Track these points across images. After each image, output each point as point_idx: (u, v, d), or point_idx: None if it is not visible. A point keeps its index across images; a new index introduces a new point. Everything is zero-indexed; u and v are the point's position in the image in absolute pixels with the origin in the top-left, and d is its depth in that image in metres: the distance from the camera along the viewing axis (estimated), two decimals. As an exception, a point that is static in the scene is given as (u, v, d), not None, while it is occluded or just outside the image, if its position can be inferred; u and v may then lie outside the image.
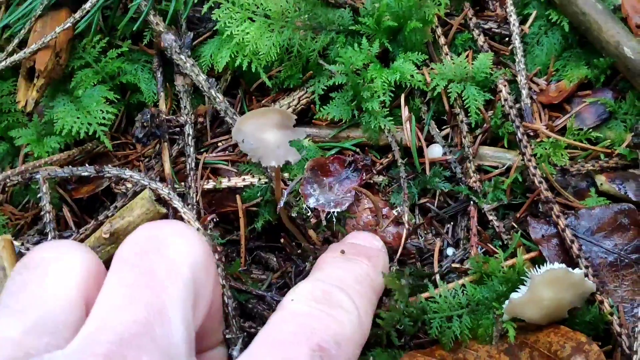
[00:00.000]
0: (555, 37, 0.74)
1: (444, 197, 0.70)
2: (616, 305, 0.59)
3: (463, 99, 0.69)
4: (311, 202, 0.66)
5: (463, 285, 0.61)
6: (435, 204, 0.69)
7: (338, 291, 0.51)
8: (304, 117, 0.73)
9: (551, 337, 0.57)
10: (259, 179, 0.67)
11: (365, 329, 0.53)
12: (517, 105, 0.70)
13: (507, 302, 0.57)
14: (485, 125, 0.70)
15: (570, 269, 0.55)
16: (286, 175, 0.68)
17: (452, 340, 0.59)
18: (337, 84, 0.69)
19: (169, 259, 0.46)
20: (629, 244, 0.62)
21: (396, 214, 0.67)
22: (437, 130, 0.70)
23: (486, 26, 0.75)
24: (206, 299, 0.49)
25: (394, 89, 0.69)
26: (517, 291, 0.57)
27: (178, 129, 0.72)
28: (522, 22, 0.74)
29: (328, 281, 0.53)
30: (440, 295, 0.60)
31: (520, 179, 0.67)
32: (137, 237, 0.47)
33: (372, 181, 0.70)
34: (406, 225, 0.65)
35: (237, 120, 0.65)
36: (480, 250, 0.65)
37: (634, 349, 0.56)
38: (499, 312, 0.58)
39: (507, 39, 0.74)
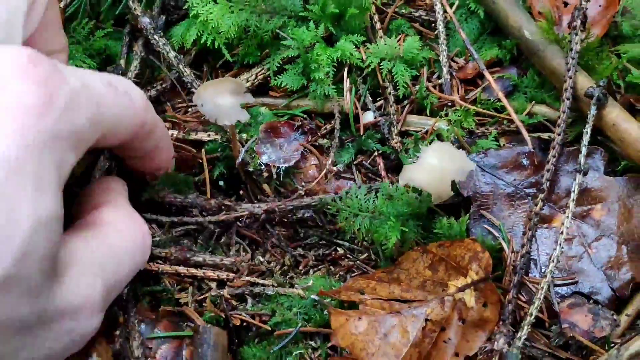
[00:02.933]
0: (474, 23, 0.87)
1: (379, 158, 0.84)
2: (508, 231, 0.73)
3: (393, 74, 0.83)
4: (264, 159, 0.79)
5: (375, 197, 0.75)
6: (369, 162, 0.82)
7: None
8: (262, 89, 0.86)
9: (457, 251, 0.72)
10: (221, 137, 0.80)
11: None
12: (439, 81, 0.84)
13: (403, 169, 0.71)
14: (411, 97, 0.83)
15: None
16: (244, 136, 0.81)
17: (351, 232, 0.74)
18: (290, 56, 0.82)
19: None
20: (525, 180, 0.77)
21: (336, 169, 0.81)
22: (371, 99, 0.84)
23: (416, 14, 0.89)
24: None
25: (336, 65, 0.83)
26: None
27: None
28: (446, 10, 0.88)
29: None
30: (356, 196, 0.75)
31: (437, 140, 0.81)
32: None
33: (317, 143, 0.83)
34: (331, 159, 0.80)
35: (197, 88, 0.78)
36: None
37: (518, 267, 0.71)
38: (392, 229, 0.72)
39: (434, 24, 0.88)
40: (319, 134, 0.82)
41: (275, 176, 0.79)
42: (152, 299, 0.74)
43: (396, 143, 0.80)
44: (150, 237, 0.68)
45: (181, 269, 0.75)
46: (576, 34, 0.77)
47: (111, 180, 0.72)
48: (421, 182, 0.69)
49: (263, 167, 0.78)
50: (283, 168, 0.79)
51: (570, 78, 0.76)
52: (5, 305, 0.48)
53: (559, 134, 0.75)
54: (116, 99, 0.59)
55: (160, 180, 0.77)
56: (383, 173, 0.81)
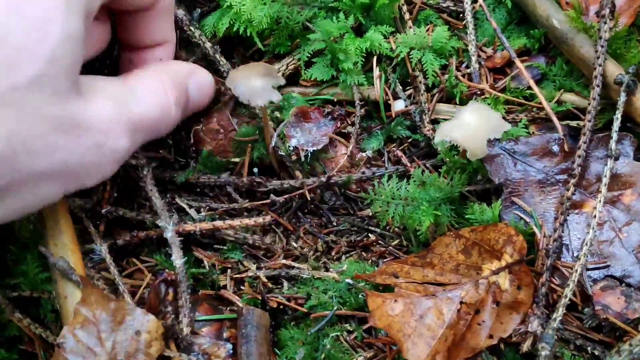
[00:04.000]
0: (502, 13, 0.89)
1: (409, 146, 0.85)
2: (539, 217, 0.75)
3: (422, 63, 0.84)
4: (293, 142, 0.81)
5: (407, 184, 0.77)
6: (399, 149, 0.84)
7: None
8: (293, 79, 0.88)
9: (490, 235, 0.73)
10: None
11: None
12: (468, 70, 0.85)
13: (439, 127, 0.72)
14: (441, 85, 0.85)
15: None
16: (275, 120, 0.83)
17: (386, 220, 0.76)
18: (319, 49, 0.84)
19: None
20: (556, 166, 0.78)
21: (366, 156, 0.83)
22: (401, 88, 0.85)
23: (444, 4, 0.90)
24: None
25: (364, 55, 0.84)
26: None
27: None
28: (474, 1, 0.89)
29: None
30: (388, 185, 0.77)
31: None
32: None
33: (346, 130, 0.85)
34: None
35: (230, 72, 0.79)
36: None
37: (551, 251, 0.72)
38: (426, 214, 0.74)
39: (462, 14, 0.89)
40: (348, 122, 0.84)
41: (303, 159, 0.80)
42: (193, 281, 0.76)
43: (428, 130, 0.82)
44: (175, 109, 0.74)
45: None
46: (605, 23, 0.78)
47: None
48: (457, 138, 0.70)
49: (292, 150, 0.80)
50: (311, 151, 0.80)
51: (600, 65, 0.77)
52: (40, 100, 0.57)
53: (590, 121, 0.77)
54: None
55: (197, 163, 0.79)
56: (406, 161, 0.82)
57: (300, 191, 0.81)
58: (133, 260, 0.80)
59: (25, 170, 0.58)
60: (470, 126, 0.72)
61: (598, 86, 0.77)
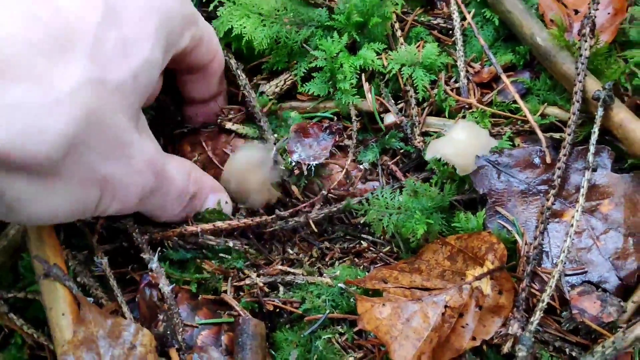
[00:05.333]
0: (489, 30, 0.93)
1: (402, 157, 0.90)
2: (521, 225, 0.79)
3: (413, 79, 0.89)
4: (295, 157, 0.85)
5: (400, 195, 0.82)
6: (392, 162, 0.89)
7: None
8: (290, 93, 0.93)
9: (474, 243, 0.77)
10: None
11: None
12: (457, 84, 0.90)
13: (430, 143, 0.77)
14: (430, 99, 0.89)
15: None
16: (275, 135, 0.88)
17: (380, 230, 0.81)
18: (317, 66, 0.89)
19: None
20: (537, 177, 0.82)
21: (362, 168, 0.87)
22: (393, 102, 0.90)
23: (435, 22, 0.94)
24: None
25: (359, 72, 0.89)
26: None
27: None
28: (463, 18, 0.93)
29: None
30: (382, 196, 0.82)
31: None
32: None
33: (343, 144, 0.89)
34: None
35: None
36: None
37: (531, 258, 0.76)
38: (419, 223, 0.78)
39: (451, 31, 0.94)
40: (345, 135, 0.89)
41: (306, 173, 0.85)
42: (196, 286, 0.81)
43: (419, 143, 0.86)
44: (188, 202, 0.80)
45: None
46: (585, 41, 0.82)
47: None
48: (448, 154, 0.75)
49: (295, 165, 0.85)
50: (313, 165, 0.85)
51: (580, 82, 0.81)
52: (117, 104, 0.62)
53: (569, 134, 0.81)
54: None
55: None
56: (399, 174, 0.87)
57: (303, 220, 0.85)
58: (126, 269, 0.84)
59: (82, 166, 0.61)
60: (460, 143, 0.76)
61: (578, 101, 0.81)
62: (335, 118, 0.90)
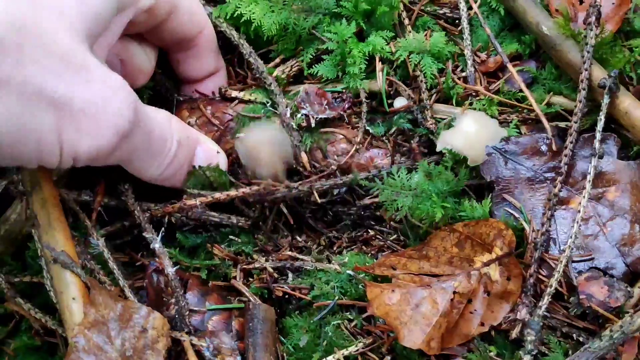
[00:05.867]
0: (495, 20, 0.94)
1: (407, 138, 0.90)
2: (528, 212, 0.80)
3: (421, 66, 0.89)
4: (302, 112, 0.86)
5: (416, 175, 0.82)
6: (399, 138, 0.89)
7: None
8: (298, 78, 0.93)
9: (482, 229, 0.78)
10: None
11: None
12: (463, 73, 0.91)
13: (440, 135, 0.77)
14: (438, 87, 0.90)
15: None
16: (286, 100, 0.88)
17: (393, 210, 0.80)
18: (328, 49, 0.89)
19: None
20: (544, 165, 0.83)
21: (368, 136, 0.88)
22: (404, 87, 0.90)
23: (441, 11, 0.95)
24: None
25: (367, 59, 0.89)
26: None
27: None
28: (470, 8, 0.94)
29: None
30: (398, 176, 0.81)
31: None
32: None
33: (351, 118, 0.89)
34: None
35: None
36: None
37: (538, 244, 0.77)
38: (436, 206, 0.78)
39: (457, 21, 0.94)
40: (353, 110, 0.89)
41: (313, 124, 0.85)
42: (206, 272, 0.81)
43: (431, 124, 0.86)
44: (175, 146, 0.75)
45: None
46: (591, 30, 0.83)
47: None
48: (458, 146, 0.75)
49: (303, 118, 0.85)
50: (321, 118, 0.86)
51: (586, 70, 0.82)
52: (60, 21, 0.58)
53: (576, 122, 0.81)
54: None
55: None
56: (418, 155, 0.87)
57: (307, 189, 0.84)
58: (131, 253, 0.84)
59: (26, 72, 0.56)
60: (470, 134, 0.76)
61: (584, 89, 0.82)
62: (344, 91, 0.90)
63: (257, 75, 0.89)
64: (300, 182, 0.83)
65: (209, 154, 0.80)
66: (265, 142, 0.81)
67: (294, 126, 0.85)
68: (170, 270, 0.76)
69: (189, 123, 0.87)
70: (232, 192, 0.81)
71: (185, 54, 0.84)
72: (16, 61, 0.55)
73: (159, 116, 0.73)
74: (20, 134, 0.58)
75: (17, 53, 0.55)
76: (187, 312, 0.76)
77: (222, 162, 0.82)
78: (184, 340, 0.74)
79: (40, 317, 0.79)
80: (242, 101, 0.89)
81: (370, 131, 0.88)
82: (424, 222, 0.80)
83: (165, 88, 0.91)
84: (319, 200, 0.84)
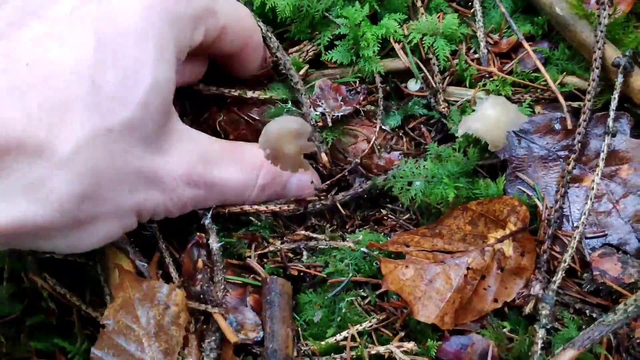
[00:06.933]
0: (508, 1, 0.94)
1: (425, 123, 0.90)
2: (542, 190, 0.80)
3: (434, 48, 0.90)
4: (319, 110, 0.86)
5: (425, 162, 0.82)
6: (415, 129, 0.90)
7: None
8: (315, 62, 0.93)
9: (496, 206, 0.79)
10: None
11: None
12: (476, 55, 0.91)
13: (461, 120, 0.77)
14: (451, 69, 0.90)
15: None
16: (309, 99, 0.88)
17: (410, 199, 0.80)
18: (340, 34, 0.89)
19: None
20: (557, 143, 0.83)
21: (387, 137, 0.88)
22: (417, 70, 0.90)
23: (454, -7, 0.96)
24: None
25: (380, 42, 0.90)
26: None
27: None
28: (482, -10, 0.95)
29: None
30: (408, 166, 0.82)
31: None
32: None
33: (366, 109, 0.90)
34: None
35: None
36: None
37: (552, 221, 0.78)
38: (448, 187, 0.79)
39: (470, 3, 0.95)
40: (368, 99, 0.89)
41: (330, 123, 0.86)
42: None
43: (443, 108, 0.87)
44: (256, 192, 0.81)
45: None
46: (604, 9, 0.84)
47: None
48: (479, 130, 0.75)
49: (320, 115, 0.86)
50: (338, 116, 0.86)
51: (600, 49, 0.82)
52: (129, 144, 0.63)
53: (589, 100, 0.82)
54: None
55: None
56: (427, 139, 0.88)
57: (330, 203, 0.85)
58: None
59: (106, 207, 0.65)
60: (490, 119, 0.76)
61: (597, 68, 0.82)
62: (357, 82, 0.91)
63: (283, 71, 0.89)
64: (322, 196, 0.85)
65: (301, 184, 0.84)
66: (287, 135, 0.81)
67: (317, 139, 0.86)
68: (215, 245, 0.79)
69: (218, 123, 0.89)
70: (262, 208, 0.83)
71: (232, 61, 0.85)
72: (98, 200, 0.64)
73: (235, 173, 0.77)
74: (110, 234, 0.69)
75: (98, 194, 0.64)
76: (223, 287, 0.77)
77: (312, 192, 0.84)
78: (215, 312, 0.75)
79: (65, 292, 0.81)
80: (260, 101, 0.89)
81: (387, 129, 0.89)
82: (440, 205, 0.81)
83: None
84: (344, 212, 0.87)
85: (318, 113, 0.85)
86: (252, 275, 0.82)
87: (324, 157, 0.87)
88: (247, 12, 0.82)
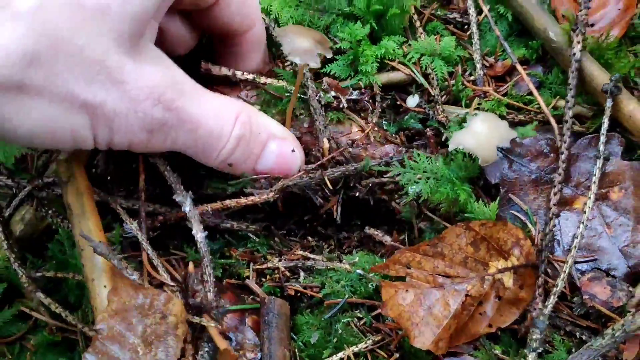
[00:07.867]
0: (503, 25, 0.96)
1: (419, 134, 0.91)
2: (533, 214, 0.82)
3: (432, 68, 0.90)
4: (331, 94, 0.87)
5: (436, 160, 0.83)
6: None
7: None
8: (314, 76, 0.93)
9: (500, 234, 0.79)
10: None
11: None
12: (472, 77, 0.92)
13: (452, 135, 0.78)
14: (448, 89, 0.91)
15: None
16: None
17: (415, 193, 0.81)
18: (341, 49, 0.90)
19: None
20: (548, 166, 0.85)
21: (381, 132, 0.88)
22: (420, 76, 0.91)
23: (451, 16, 0.96)
24: None
25: (379, 61, 0.90)
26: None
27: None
28: (479, 13, 0.95)
29: None
30: (420, 159, 0.83)
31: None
32: None
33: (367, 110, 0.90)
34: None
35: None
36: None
37: (544, 246, 0.79)
38: (458, 188, 0.79)
39: (466, 26, 0.96)
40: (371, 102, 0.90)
41: (345, 104, 0.87)
42: (221, 271, 0.82)
43: (442, 118, 0.88)
44: (232, 143, 0.74)
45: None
46: (579, 42, 0.85)
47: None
48: (470, 145, 0.76)
49: (333, 98, 0.86)
50: (351, 99, 0.88)
51: (573, 72, 0.85)
52: (97, 33, 0.60)
53: (567, 121, 0.84)
54: None
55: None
56: (432, 138, 0.89)
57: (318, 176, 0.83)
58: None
59: (56, 85, 0.60)
60: (481, 135, 0.77)
61: (571, 89, 0.85)
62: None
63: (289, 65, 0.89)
64: (312, 168, 0.82)
65: (282, 150, 0.78)
66: (309, 36, 0.77)
67: (321, 105, 0.85)
68: (200, 235, 0.76)
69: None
70: (242, 200, 0.81)
71: (235, 49, 0.82)
72: (50, 72, 0.59)
73: (210, 114, 0.71)
74: (56, 132, 0.64)
75: (51, 64, 0.59)
76: (213, 287, 0.77)
77: (295, 162, 0.80)
78: (211, 326, 0.75)
79: (60, 311, 0.80)
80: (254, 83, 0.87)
81: (384, 127, 0.90)
82: (441, 205, 0.81)
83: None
84: (331, 187, 0.84)
85: (330, 96, 0.85)
86: (250, 297, 0.82)
87: (326, 143, 0.85)
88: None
